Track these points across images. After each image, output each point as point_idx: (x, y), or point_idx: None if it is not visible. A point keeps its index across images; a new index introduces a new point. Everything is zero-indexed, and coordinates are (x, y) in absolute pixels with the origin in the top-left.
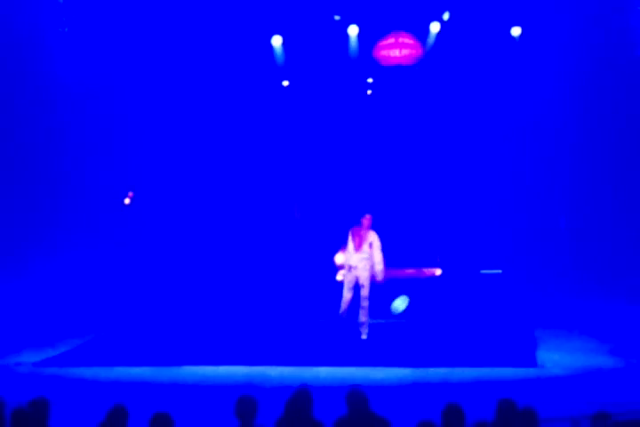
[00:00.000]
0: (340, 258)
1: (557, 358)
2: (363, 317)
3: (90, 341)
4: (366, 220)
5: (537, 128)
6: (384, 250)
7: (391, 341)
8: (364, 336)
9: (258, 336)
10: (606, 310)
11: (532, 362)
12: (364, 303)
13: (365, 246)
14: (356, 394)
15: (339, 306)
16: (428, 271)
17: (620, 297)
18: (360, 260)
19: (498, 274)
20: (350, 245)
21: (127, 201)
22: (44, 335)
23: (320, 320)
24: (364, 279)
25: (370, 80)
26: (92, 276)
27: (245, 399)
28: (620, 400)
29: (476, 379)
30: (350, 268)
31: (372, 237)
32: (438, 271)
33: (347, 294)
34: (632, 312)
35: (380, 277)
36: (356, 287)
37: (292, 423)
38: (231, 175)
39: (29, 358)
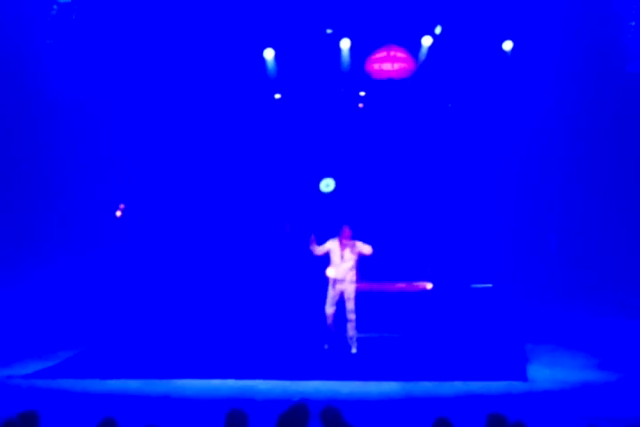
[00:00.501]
0: (331, 271)
1: (548, 372)
2: (350, 331)
3: (80, 353)
4: (345, 230)
5: (528, 141)
6: (375, 263)
7: (381, 354)
8: (353, 350)
9: (248, 350)
10: (596, 324)
11: (523, 376)
12: (351, 316)
13: (348, 255)
14: (329, 411)
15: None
16: (418, 285)
17: (610, 312)
18: (345, 271)
19: (488, 288)
20: (334, 256)
21: (119, 213)
22: (34, 348)
23: (310, 334)
24: (350, 292)
25: (362, 93)
26: (83, 288)
27: (235, 413)
28: (609, 415)
29: (466, 393)
30: (335, 282)
31: (357, 247)
32: (429, 285)
33: (329, 309)
34: (622, 327)
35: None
36: (342, 302)
37: None
38: (223, 187)
39: (20, 370)
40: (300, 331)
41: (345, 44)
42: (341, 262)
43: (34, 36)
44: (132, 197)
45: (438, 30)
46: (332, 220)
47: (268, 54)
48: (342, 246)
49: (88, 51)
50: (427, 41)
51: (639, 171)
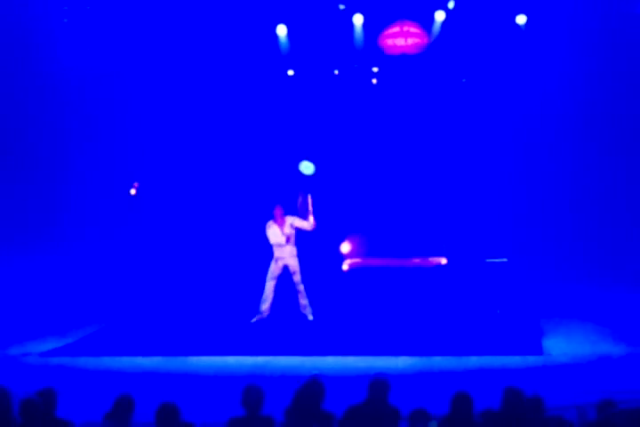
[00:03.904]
0: (345, 248)
1: (563, 346)
2: (302, 300)
3: (97, 331)
4: (277, 210)
5: (542, 117)
6: (390, 239)
7: (397, 330)
8: (310, 317)
9: (265, 326)
10: (612, 298)
11: (538, 350)
12: (300, 287)
13: (286, 230)
14: (379, 382)
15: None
16: (433, 260)
17: (625, 285)
18: (284, 249)
19: (503, 263)
20: (276, 237)
21: (133, 192)
22: (51, 325)
23: (326, 309)
24: (294, 266)
25: (375, 69)
26: (100, 266)
27: (251, 389)
28: (625, 388)
29: (482, 367)
30: (277, 259)
31: (289, 220)
32: (444, 260)
33: (269, 284)
34: (637, 300)
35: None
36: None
37: (301, 413)
38: (236, 166)
39: (37, 348)
40: (316, 307)
41: (358, 19)
42: (284, 240)
43: (47, 20)
44: (146, 176)
45: (451, 5)
46: (349, 196)
47: (281, 30)
48: (280, 225)
49: (100, 33)
50: (440, 16)
51: None
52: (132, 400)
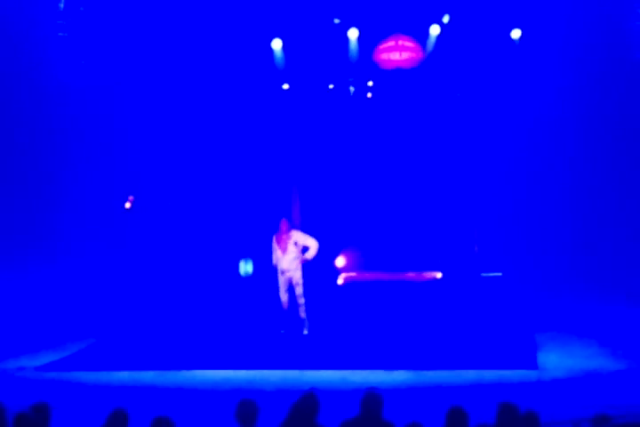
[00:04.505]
0: (340, 262)
1: (558, 360)
2: (302, 313)
3: (91, 345)
4: (283, 224)
5: (537, 130)
6: (385, 253)
7: (391, 344)
8: (305, 332)
9: (258, 340)
10: (607, 312)
11: (533, 364)
12: (301, 301)
13: (291, 247)
14: (372, 397)
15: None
16: (428, 275)
17: (620, 300)
18: (289, 262)
19: (498, 277)
20: (277, 250)
21: (128, 205)
22: (46, 340)
23: (321, 323)
24: (297, 279)
25: (370, 83)
26: (94, 280)
27: (246, 403)
28: (620, 403)
29: (477, 382)
30: (283, 272)
31: (295, 236)
32: (439, 275)
33: (283, 296)
34: (632, 315)
35: (309, 256)
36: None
37: None
38: (230, 179)
39: (31, 362)
40: (311, 321)
41: (353, 33)
42: (284, 255)
43: (42, 29)
44: (139, 189)
45: (446, 19)
46: (343, 210)
47: (276, 45)
48: (282, 240)
49: (96, 42)
50: (434, 30)
51: None
52: (127, 415)
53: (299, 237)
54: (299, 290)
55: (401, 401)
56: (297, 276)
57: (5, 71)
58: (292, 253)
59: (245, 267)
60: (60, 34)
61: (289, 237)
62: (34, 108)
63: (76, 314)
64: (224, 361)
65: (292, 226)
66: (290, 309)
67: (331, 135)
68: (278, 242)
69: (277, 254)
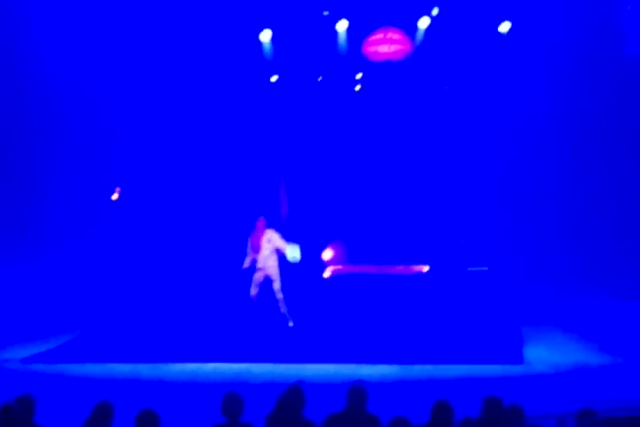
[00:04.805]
0: (327, 254)
1: (543, 355)
2: (282, 308)
3: (77, 338)
4: (260, 222)
5: (525, 124)
6: (372, 246)
7: (377, 337)
8: (290, 324)
9: (244, 333)
10: (593, 307)
11: (519, 359)
12: (279, 296)
13: (265, 244)
14: (357, 391)
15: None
16: (415, 268)
17: (605, 294)
18: (265, 259)
19: (484, 271)
20: (250, 249)
21: (115, 197)
22: (31, 332)
23: (307, 316)
24: (274, 275)
25: (359, 76)
26: (82, 272)
27: (231, 396)
28: (605, 398)
29: (462, 376)
30: (259, 269)
31: (269, 235)
32: (425, 268)
33: (253, 291)
34: (618, 309)
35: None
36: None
37: (282, 420)
38: (218, 171)
39: (16, 354)
40: (298, 314)
41: (342, 25)
42: (259, 252)
43: (32, 24)
44: (127, 181)
45: (435, 12)
46: (330, 203)
47: (265, 36)
48: (256, 238)
49: (85, 34)
50: (423, 23)
51: (636, 154)
52: (112, 407)
53: (272, 237)
54: (276, 285)
55: (387, 395)
56: (273, 272)
57: None
58: (266, 249)
59: (293, 252)
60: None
61: (263, 235)
62: (20, 100)
63: (62, 307)
64: (210, 354)
65: (270, 226)
66: (258, 300)
67: (319, 128)
68: (253, 240)
69: (251, 253)
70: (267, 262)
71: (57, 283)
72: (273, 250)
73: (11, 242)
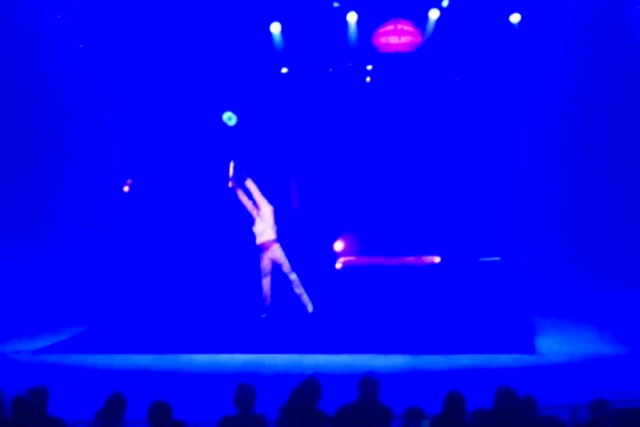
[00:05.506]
0: (339, 246)
1: (556, 345)
2: (297, 289)
3: (89, 329)
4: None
5: (536, 115)
6: (384, 238)
7: (390, 328)
8: (309, 308)
9: (256, 324)
10: (605, 297)
11: (531, 349)
12: (292, 277)
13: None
14: (369, 381)
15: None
16: (426, 259)
17: (619, 284)
18: (262, 230)
19: (496, 261)
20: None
21: (126, 189)
22: (43, 323)
23: (319, 308)
24: (280, 258)
25: (369, 67)
26: (93, 264)
27: (244, 387)
28: (618, 388)
29: (475, 366)
30: (262, 248)
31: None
32: (437, 259)
33: (265, 285)
34: (631, 300)
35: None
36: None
37: (296, 412)
38: (228, 163)
39: (29, 345)
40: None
41: (352, 17)
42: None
43: (42, 14)
44: (138, 174)
45: (445, 3)
46: (341, 195)
47: (275, 28)
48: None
49: (93, 32)
50: (434, 14)
51: None
52: (125, 398)
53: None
54: (286, 267)
55: (399, 386)
56: (278, 254)
57: (6, 55)
58: (247, 202)
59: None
60: (59, 16)
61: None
62: (31, 94)
63: (74, 298)
64: (222, 345)
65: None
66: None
67: (329, 119)
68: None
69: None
70: (264, 236)
71: (68, 274)
72: (267, 221)
73: (22, 234)
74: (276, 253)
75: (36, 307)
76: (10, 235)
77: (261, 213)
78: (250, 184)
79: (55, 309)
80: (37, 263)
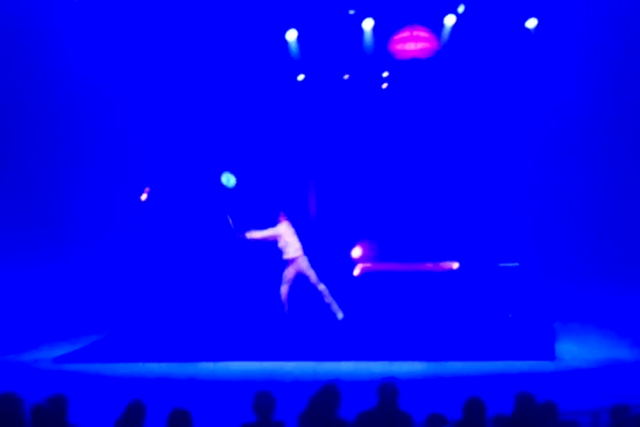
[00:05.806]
0: (357, 252)
1: (576, 350)
2: (327, 298)
3: (107, 337)
4: (281, 217)
5: (553, 120)
6: (402, 244)
7: (409, 335)
8: (339, 316)
9: (275, 331)
10: (625, 302)
11: (551, 355)
12: (321, 287)
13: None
14: (388, 387)
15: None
16: (445, 265)
17: (638, 290)
18: (287, 249)
19: (515, 267)
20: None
21: (144, 197)
22: (61, 332)
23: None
24: (306, 269)
25: (385, 74)
26: (109, 272)
27: (263, 395)
28: (638, 393)
29: (494, 372)
30: (288, 262)
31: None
32: (456, 265)
33: (283, 290)
34: None
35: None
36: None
37: (316, 420)
38: (246, 170)
39: (48, 354)
40: (328, 312)
41: (368, 24)
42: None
43: (55, 20)
44: (155, 182)
45: (461, 9)
46: (359, 201)
47: (291, 35)
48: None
49: (106, 39)
50: (450, 20)
51: None
52: (144, 406)
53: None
54: (312, 278)
55: (418, 392)
56: (304, 265)
57: (21, 62)
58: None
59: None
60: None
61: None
62: (48, 100)
63: (92, 306)
64: (241, 353)
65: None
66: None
67: (346, 126)
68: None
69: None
70: (290, 253)
71: (85, 283)
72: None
73: (40, 243)
74: (302, 265)
75: (54, 315)
76: (28, 243)
77: (280, 236)
78: (251, 234)
79: (73, 317)
80: (56, 272)
